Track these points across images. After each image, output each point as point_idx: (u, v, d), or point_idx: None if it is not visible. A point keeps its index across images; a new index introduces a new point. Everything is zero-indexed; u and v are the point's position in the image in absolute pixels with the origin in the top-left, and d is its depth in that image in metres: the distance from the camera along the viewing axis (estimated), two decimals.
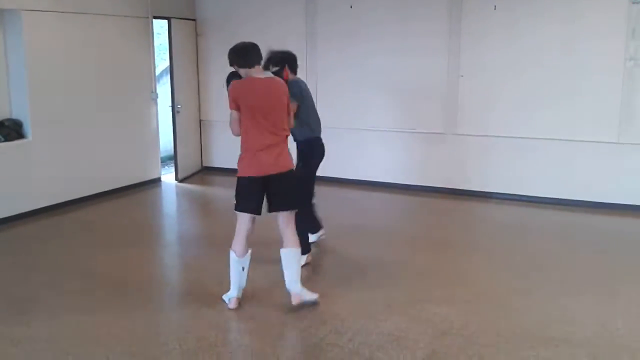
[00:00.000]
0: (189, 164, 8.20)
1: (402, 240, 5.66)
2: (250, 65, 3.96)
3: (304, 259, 4.68)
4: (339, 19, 7.51)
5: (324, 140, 4.90)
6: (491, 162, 7.02)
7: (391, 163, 7.51)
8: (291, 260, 4.05)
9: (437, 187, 7.24)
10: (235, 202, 3.99)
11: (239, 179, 3.99)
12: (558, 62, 6.51)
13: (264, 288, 4.38)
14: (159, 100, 7.89)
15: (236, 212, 3.99)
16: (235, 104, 3.90)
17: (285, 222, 4.06)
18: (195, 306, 4.12)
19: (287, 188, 4.00)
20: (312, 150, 4.77)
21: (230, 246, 4.04)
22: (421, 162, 7.35)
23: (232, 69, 4.09)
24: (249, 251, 4.05)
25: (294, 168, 4.17)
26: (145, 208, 6.92)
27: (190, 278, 4.79)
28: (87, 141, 6.78)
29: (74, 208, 6.52)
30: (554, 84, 6.57)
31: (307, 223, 4.79)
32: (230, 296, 4.08)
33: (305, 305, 4.06)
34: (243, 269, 4.05)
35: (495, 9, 6.71)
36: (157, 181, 7.80)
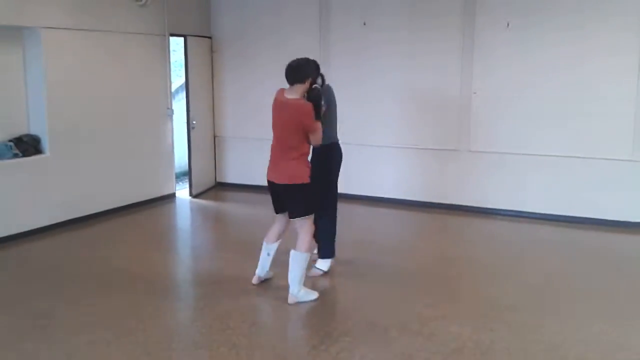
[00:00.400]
0: (203, 179, 8.26)
1: (415, 257, 5.65)
2: (288, 83, 4.37)
3: (327, 263, 5.01)
4: (352, 35, 7.57)
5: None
6: (504, 179, 7.00)
7: (404, 180, 7.51)
8: (292, 261, 4.40)
9: (451, 205, 7.22)
10: None
11: None
12: (571, 79, 6.51)
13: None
14: (174, 116, 7.98)
15: None
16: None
17: (296, 226, 4.47)
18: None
19: (287, 198, 4.44)
20: (330, 153, 4.86)
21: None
22: (434, 178, 7.35)
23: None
24: (277, 242, 4.66)
25: (301, 184, 4.33)
26: (160, 223, 6.96)
27: (204, 290, 4.82)
28: (104, 157, 6.86)
29: (90, 223, 6.59)
30: (567, 101, 6.56)
31: (331, 227, 4.99)
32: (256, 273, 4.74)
33: (314, 321, 4.08)
34: (268, 254, 4.66)
35: (508, 26, 6.73)
36: (171, 197, 7.86)
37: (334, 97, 4.86)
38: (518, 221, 6.80)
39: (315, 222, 4.57)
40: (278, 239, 4.68)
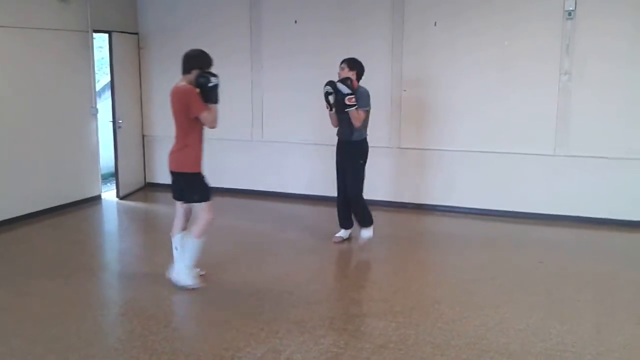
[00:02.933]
0: (131, 180, 8.01)
1: (341, 255, 5.65)
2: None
3: (371, 230, 5.74)
4: (284, 34, 7.51)
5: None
6: (431, 175, 7.11)
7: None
8: (185, 244, 4.57)
9: (382, 200, 7.26)
10: None
11: None
12: (496, 77, 6.67)
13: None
14: (100, 115, 7.70)
15: None
16: None
17: (195, 211, 4.63)
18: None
19: (177, 185, 4.59)
20: (365, 148, 5.56)
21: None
22: (367, 175, 7.36)
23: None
24: (182, 233, 4.66)
25: (190, 172, 4.51)
26: (84, 227, 6.69)
27: (127, 298, 4.65)
28: (23, 158, 6.53)
29: (10, 227, 6.26)
30: (493, 98, 6.72)
31: (362, 205, 5.67)
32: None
33: (238, 322, 4.00)
34: (176, 248, 4.63)
35: (435, 25, 6.83)
36: (97, 199, 7.58)
37: (369, 98, 5.45)
38: (450, 216, 6.91)
39: (360, 201, 5.57)
40: (182, 230, 4.68)
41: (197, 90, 4.39)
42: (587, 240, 6.13)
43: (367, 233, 5.73)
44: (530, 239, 6.17)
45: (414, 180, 7.20)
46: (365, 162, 5.60)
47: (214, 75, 4.47)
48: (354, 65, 5.45)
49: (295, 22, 7.43)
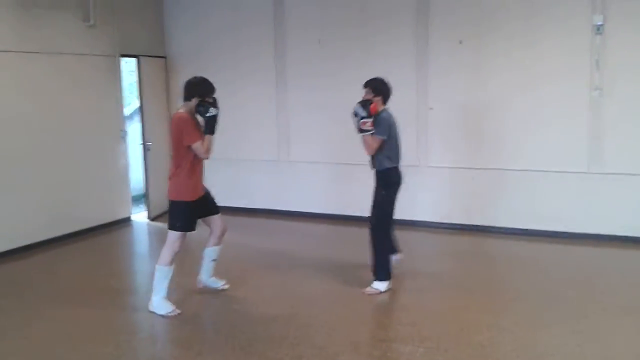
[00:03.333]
0: (162, 201, 8.04)
1: (368, 277, 5.56)
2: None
3: (385, 285, 4.99)
4: (308, 54, 7.54)
5: None
6: (460, 194, 6.99)
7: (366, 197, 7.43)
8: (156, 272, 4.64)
9: (411, 220, 7.16)
10: None
11: None
12: (525, 94, 6.55)
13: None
14: (130, 138, 7.80)
15: None
16: None
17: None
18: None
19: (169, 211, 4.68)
20: (388, 179, 5.05)
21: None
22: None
23: None
24: (212, 246, 4.96)
25: (174, 200, 4.61)
26: (114, 249, 6.75)
27: (152, 322, 4.65)
28: (53, 181, 6.64)
29: (40, 250, 6.35)
30: (523, 116, 6.60)
31: (383, 246, 5.03)
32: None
33: (255, 347, 3.95)
34: (207, 260, 4.99)
35: (460, 43, 6.76)
36: (127, 220, 7.66)
37: (392, 126, 4.99)
38: (483, 236, 6.76)
39: (376, 236, 4.97)
40: (212, 244, 4.94)
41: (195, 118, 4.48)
42: (623, 261, 5.92)
43: (377, 285, 5.01)
44: (564, 259, 6.00)
45: (440, 198, 7.09)
46: (388, 194, 5.04)
47: (214, 106, 4.48)
48: (376, 87, 4.96)
49: (319, 41, 7.44)
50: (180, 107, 4.54)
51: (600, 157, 6.34)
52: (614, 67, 6.15)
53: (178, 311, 4.58)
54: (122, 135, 7.59)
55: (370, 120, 4.82)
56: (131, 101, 9.50)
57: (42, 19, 6.48)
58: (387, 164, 4.98)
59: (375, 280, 5.00)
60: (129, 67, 8.91)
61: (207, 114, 4.40)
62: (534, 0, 6.42)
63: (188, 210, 4.57)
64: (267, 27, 7.72)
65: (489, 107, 6.73)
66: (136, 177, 8.22)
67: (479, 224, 6.93)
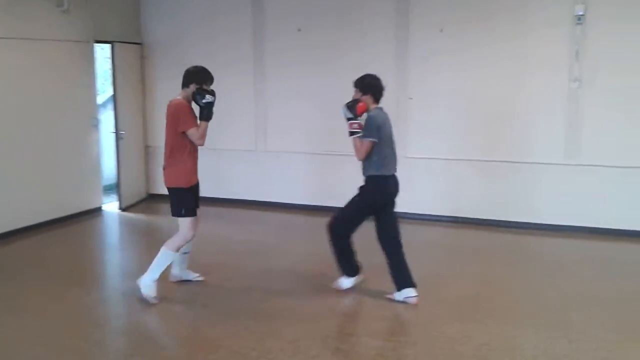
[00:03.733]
0: (133, 191, 7.91)
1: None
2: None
3: (350, 281, 4.72)
4: (288, 43, 7.40)
5: None
6: (439, 185, 6.92)
7: (344, 186, 7.32)
8: (159, 254, 4.53)
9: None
10: None
11: None
12: (506, 84, 6.49)
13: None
14: (105, 126, 7.62)
15: None
16: None
17: None
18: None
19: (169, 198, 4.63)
20: (372, 187, 4.54)
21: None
22: None
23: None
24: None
25: (172, 187, 4.56)
26: (84, 239, 6.58)
27: (120, 314, 4.52)
28: (23, 169, 6.45)
29: (6, 241, 6.17)
30: (501, 106, 6.54)
31: (340, 246, 4.67)
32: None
33: (224, 341, 3.84)
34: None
35: (441, 31, 6.66)
36: (98, 210, 7.48)
37: (382, 127, 4.45)
38: (456, 227, 6.73)
39: (332, 237, 4.63)
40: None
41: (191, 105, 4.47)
42: (599, 253, 5.89)
43: (343, 281, 4.76)
44: (538, 251, 5.97)
45: (418, 190, 7.01)
46: (363, 201, 4.55)
47: (210, 93, 4.50)
48: (364, 84, 4.54)
49: (299, 30, 7.31)
50: (178, 94, 4.55)
51: (577, 149, 6.29)
52: (594, 58, 6.10)
53: (156, 301, 4.47)
54: (94, 124, 7.40)
55: (357, 121, 4.45)
56: (106, 89, 9.30)
57: (14, 4, 6.27)
58: (374, 171, 4.48)
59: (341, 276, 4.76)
60: (104, 53, 8.72)
61: (203, 101, 4.43)
62: None
63: (189, 195, 4.56)
64: (246, 14, 7.57)
65: (468, 97, 6.66)
66: (109, 166, 8.04)
67: (455, 215, 6.87)
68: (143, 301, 4.46)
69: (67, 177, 7.03)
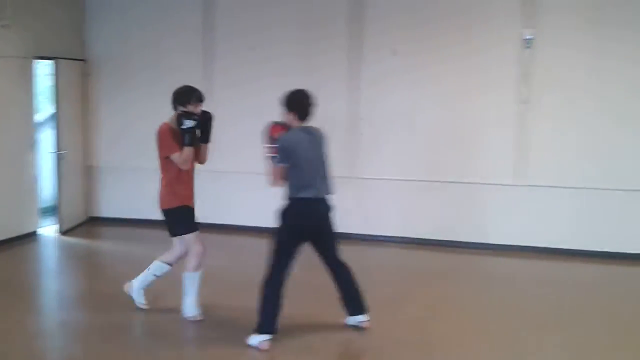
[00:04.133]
0: (74, 214, 7.51)
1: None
2: None
3: (258, 338, 4.03)
4: (239, 61, 7.23)
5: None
6: (391, 206, 6.87)
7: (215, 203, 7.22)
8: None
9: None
10: None
11: None
12: (454, 105, 6.54)
13: None
14: (43, 146, 7.23)
15: None
16: None
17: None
18: None
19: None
20: (290, 211, 4.13)
21: None
22: None
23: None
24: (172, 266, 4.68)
25: (165, 209, 4.48)
26: (15, 267, 6.13)
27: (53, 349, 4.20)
28: None
29: None
30: (452, 127, 6.57)
31: (267, 302, 4.07)
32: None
33: None
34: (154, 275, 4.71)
35: (395, 53, 6.65)
36: (33, 235, 7.04)
37: (291, 152, 4.04)
38: (406, 248, 6.68)
39: (260, 293, 4.08)
40: (165, 261, 4.66)
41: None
42: (549, 273, 5.94)
43: (253, 338, 4.06)
44: (489, 271, 5.98)
45: (371, 211, 6.93)
46: (285, 231, 4.14)
47: (191, 118, 4.31)
48: (288, 102, 4.19)
49: (253, 49, 7.16)
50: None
51: (525, 170, 6.36)
52: (541, 80, 6.22)
53: (200, 318, 4.50)
54: (31, 144, 7.02)
55: (272, 146, 4.07)
56: (46, 106, 8.89)
57: None
58: (292, 193, 4.09)
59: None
60: (45, 70, 8.34)
61: (182, 127, 4.29)
62: (468, 12, 6.42)
63: (182, 213, 4.48)
64: (196, 33, 7.36)
65: (419, 117, 6.66)
66: (47, 187, 7.63)
67: (406, 235, 6.83)
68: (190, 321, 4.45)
69: (2, 200, 6.61)
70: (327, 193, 4.21)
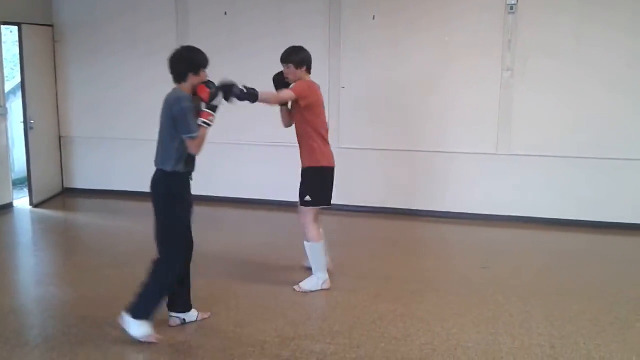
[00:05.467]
0: (47, 185, 7.31)
1: (272, 268, 5.22)
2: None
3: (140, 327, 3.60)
4: (213, 24, 7.00)
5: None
6: (371, 176, 6.78)
7: (273, 179, 7.07)
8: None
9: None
10: None
11: None
12: (437, 74, 6.41)
13: None
14: (12, 116, 6.99)
15: None
16: None
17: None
18: None
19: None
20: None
21: None
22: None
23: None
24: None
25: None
26: None
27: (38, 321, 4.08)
28: None
29: None
30: (434, 95, 6.45)
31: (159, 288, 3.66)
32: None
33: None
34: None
35: (374, 19, 6.49)
36: (8, 207, 6.86)
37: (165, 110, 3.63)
38: (388, 219, 6.62)
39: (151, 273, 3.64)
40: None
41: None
42: (531, 242, 5.94)
43: (134, 328, 3.57)
44: (471, 242, 5.94)
45: (353, 181, 6.84)
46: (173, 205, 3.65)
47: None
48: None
49: (226, 13, 6.94)
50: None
51: (509, 139, 6.30)
52: (525, 47, 6.11)
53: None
54: (1, 112, 6.76)
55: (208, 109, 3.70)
56: (15, 74, 8.57)
57: None
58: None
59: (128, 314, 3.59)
60: (12, 37, 8.01)
61: (230, 98, 3.93)
62: None
63: (321, 180, 4.45)
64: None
65: (401, 86, 6.53)
66: (20, 159, 7.41)
67: (388, 206, 6.76)
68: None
69: None
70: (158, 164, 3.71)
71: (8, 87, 7.54)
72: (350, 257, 5.41)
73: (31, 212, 6.88)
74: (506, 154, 6.32)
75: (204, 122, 3.63)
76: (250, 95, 4.06)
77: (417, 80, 6.47)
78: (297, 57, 4.43)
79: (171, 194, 3.62)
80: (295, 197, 4.62)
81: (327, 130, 4.53)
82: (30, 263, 5.47)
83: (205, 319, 3.97)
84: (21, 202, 7.12)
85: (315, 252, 4.46)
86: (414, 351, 3.60)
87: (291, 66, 4.42)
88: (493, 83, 6.24)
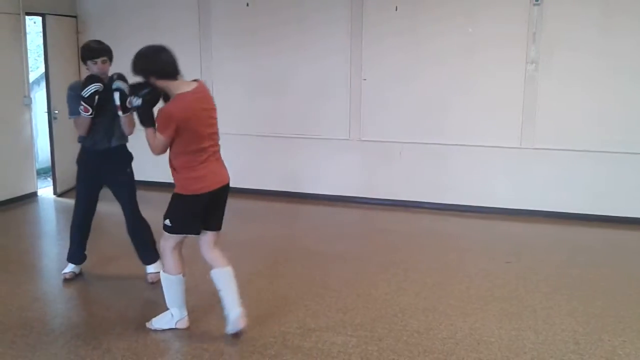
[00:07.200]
0: (70, 175, 7.33)
1: (292, 256, 5.22)
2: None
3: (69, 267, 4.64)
4: (235, 16, 7.02)
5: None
6: (395, 169, 6.74)
7: (292, 171, 7.08)
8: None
9: (339, 195, 6.89)
10: None
11: None
12: (461, 66, 6.34)
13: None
14: (36, 106, 7.06)
15: None
16: None
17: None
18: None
19: None
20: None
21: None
22: (326, 169, 6.97)
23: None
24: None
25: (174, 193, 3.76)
26: (14, 227, 6.08)
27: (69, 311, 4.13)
28: None
29: None
30: (457, 89, 6.39)
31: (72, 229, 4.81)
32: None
33: (170, 343, 3.54)
34: None
35: (396, 10, 6.44)
36: (33, 196, 6.96)
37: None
38: (411, 212, 6.58)
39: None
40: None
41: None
42: (555, 237, 5.86)
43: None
44: (494, 236, 5.88)
45: (374, 174, 6.82)
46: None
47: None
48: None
49: (247, 4, 6.94)
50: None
51: (533, 132, 6.22)
52: (550, 40, 6.01)
53: None
54: (26, 103, 6.84)
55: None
56: (39, 65, 8.67)
57: None
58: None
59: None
60: (37, 27, 8.11)
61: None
62: None
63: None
64: None
65: (423, 78, 6.48)
66: (44, 148, 7.50)
67: (407, 199, 6.71)
68: None
69: None
70: None
71: (32, 77, 7.62)
72: (371, 249, 5.41)
73: (55, 201, 6.98)
74: (530, 147, 6.24)
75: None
76: (140, 115, 3.61)
77: (439, 72, 6.40)
78: (141, 67, 3.59)
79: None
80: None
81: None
82: (54, 252, 5.54)
83: None
84: (45, 191, 7.22)
85: (170, 285, 3.71)
86: (436, 345, 3.59)
87: (151, 78, 3.56)
88: (517, 76, 6.16)
